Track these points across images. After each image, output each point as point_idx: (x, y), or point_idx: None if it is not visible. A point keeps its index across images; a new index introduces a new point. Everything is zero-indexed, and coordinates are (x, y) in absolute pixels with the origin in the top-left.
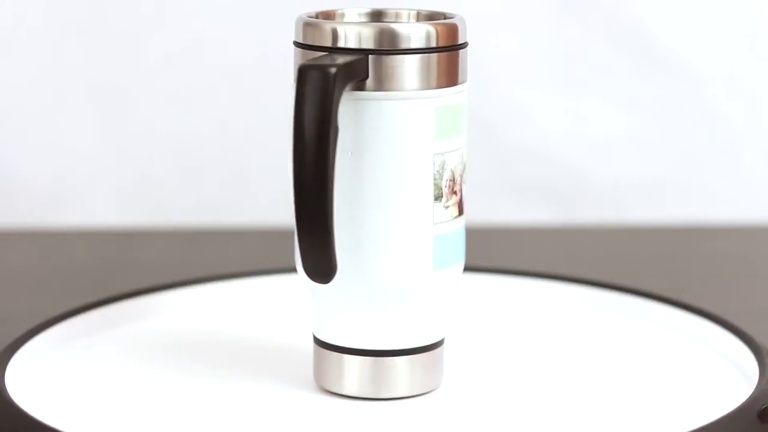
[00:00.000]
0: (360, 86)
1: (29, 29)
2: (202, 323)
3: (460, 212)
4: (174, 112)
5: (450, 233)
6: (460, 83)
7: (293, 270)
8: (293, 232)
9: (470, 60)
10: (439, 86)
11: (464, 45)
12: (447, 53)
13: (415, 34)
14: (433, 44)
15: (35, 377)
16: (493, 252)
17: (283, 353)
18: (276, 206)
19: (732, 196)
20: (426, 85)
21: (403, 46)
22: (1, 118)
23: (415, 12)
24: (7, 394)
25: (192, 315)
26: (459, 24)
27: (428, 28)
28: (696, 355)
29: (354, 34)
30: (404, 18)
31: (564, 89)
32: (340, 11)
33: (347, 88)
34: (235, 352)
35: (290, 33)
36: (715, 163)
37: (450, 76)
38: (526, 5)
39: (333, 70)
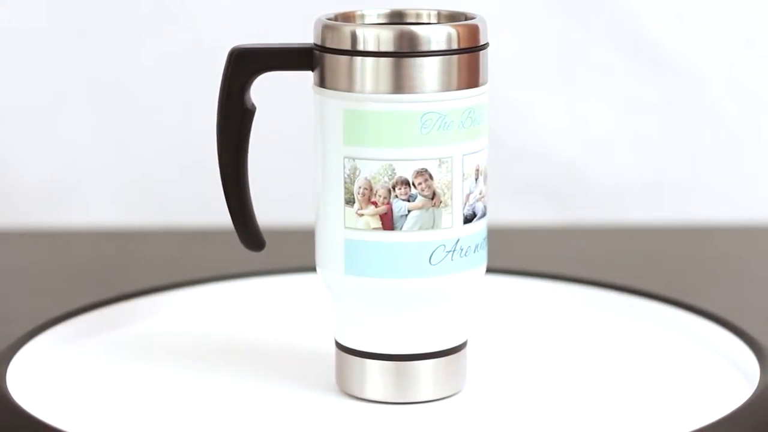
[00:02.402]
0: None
1: (29, 29)
2: (202, 323)
3: (388, 227)
4: (174, 112)
5: (364, 242)
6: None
7: (293, 270)
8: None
9: None
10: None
11: (485, 46)
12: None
13: (436, 36)
14: (455, 46)
15: (36, 377)
16: (493, 252)
17: (289, 355)
18: (276, 206)
19: (732, 196)
20: (447, 87)
21: (424, 48)
22: (1, 118)
23: (436, 12)
24: (9, 393)
25: (192, 315)
26: (480, 25)
27: (449, 29)
28: (696, 355)
29: (373, 37)
30: (425, 18)
31: (564, 89)
32: (359, 12)
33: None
34: (237, 354)
35: (291, 33)
36: (715, 163)
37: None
38: (526, 5)
39: (235, 52)
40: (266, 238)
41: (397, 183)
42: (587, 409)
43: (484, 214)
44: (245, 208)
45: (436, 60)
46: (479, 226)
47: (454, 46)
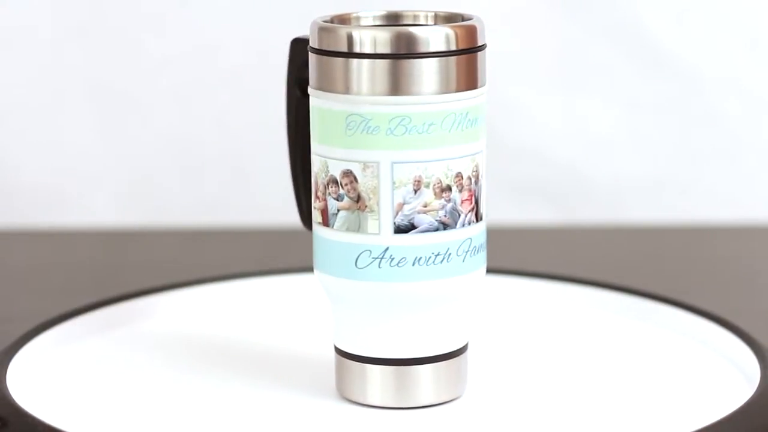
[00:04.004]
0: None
1: (29, 29)
2: (202, 324)
3: (325, 223)
4: (174, 113)
5: (315, 236)
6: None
7: (293, 270)
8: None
9: None
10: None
11: (483, 47)
12: (466, 56)
13: (434, 37)
14: (453, 47)
15: (36, 377)
16: (493, 252)
17: (292, 357)
18: (276, 206)
19: (732, 196)
20: (445, 89)
21: (422, 49)
22: (1, 118)
23: (433, 14)
24: (9, 393)
25: (192, 315)
26: (478, 25)
27: (447, 30)
28: (696, 355)
29: (369, 39)
30: (422, 20)
31: (563, 89)
32: (355, 14)
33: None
34: (237, 356)
35: (290, 33)
36: (715, 163)
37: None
38: (526, 5)
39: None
40: (266, 238)
41: (329, 181)
42: (588, 410)
43: (437, 228)
44: (309, 189)
45: (433, 61)
46: (423, 239)
47: (453, 47)
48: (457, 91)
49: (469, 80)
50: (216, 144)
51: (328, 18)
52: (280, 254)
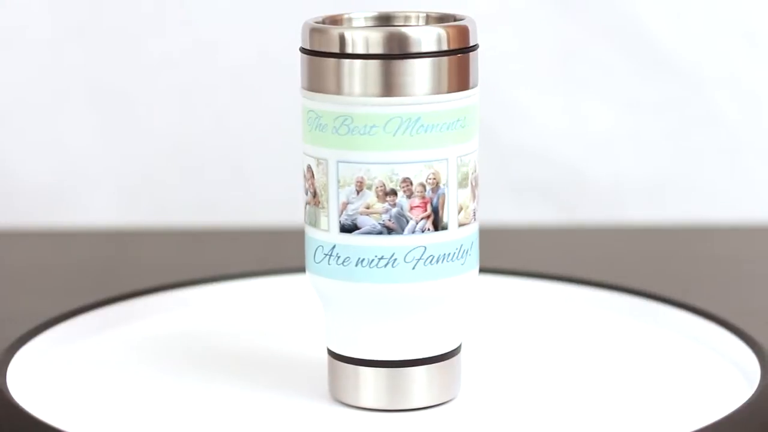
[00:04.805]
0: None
1: (29, 29)
2: (202, 324)
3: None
4: (174, 112)
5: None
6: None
7: (293, 270)
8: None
9: None
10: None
11: (475, 47)
12: (458, 56)
13: (426, 37)
14: (445, 47)
15: (36, 377)
16: (493, 252)
17: (289, 359)
18: (276, 206)
19: (732, 196)
20: (437, 90)
21: (414, 50)
22: (1, 118)
23: (425, 14)
24: (9, 393)
25: (192, 315)
26: (470, 25)
27: (439, 30)
28: (697, 355)
29: (362, 39)
30: (413, 21)
31: (564, 89)
32: (347, 16)
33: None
34: (237, 357)
35: (290, 33)
36: (715, 163)
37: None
38: (525, 5)
39: None
40: (266, 238)
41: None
42: (587, 409)
43: (381, 232)
44: None
45: (426, 62)
46: (365, 241)
47: (444, 48)
48: (449, 92)
49: (461, 81)
50: (216, 144)
51: (320, 19)
52: (280, 254)
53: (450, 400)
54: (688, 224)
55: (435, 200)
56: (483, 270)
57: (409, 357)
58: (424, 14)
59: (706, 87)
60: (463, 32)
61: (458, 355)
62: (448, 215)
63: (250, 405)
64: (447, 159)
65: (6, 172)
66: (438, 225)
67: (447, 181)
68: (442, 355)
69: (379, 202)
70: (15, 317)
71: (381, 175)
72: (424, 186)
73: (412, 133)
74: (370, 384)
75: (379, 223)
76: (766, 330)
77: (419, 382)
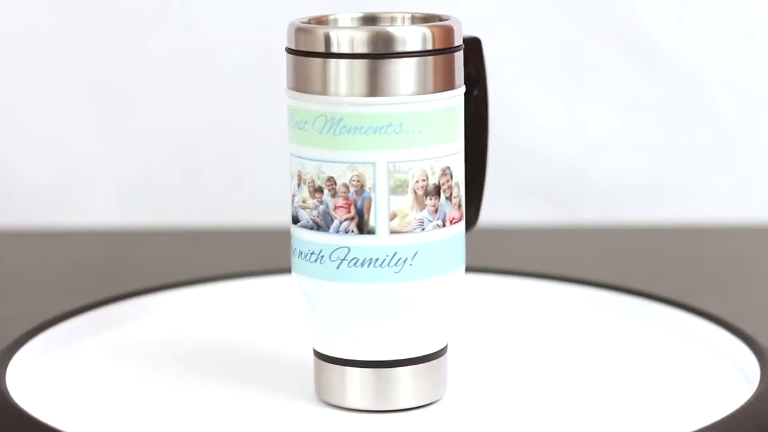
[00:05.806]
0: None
1: (30, 29)
2: (201, 324)
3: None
4: (174, 112)
5: None
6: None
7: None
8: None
9: None
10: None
11: (460, 47)
12: (444, 56)
13: (411, 36)
14: (430, 47)
15: (36, 377)
16: (493, 252)
17: (285, 361)
18: (276, 206)
19: (732, 196)
20: (423, 90)
21: (399, 49)
22: (1, 118)
23: (410, 15)
24: (8, 393)
25: (192, 315)
26: (455, 25)
27: (424, 30)
28: (696, 355)
29: (347, 39)
30: (398, 21)
31: (564, 89)
32: (333, 16)
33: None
34: (237, 357)
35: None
36: (715, 163)
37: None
38: (525, 5)
39: None
40: (266, 238)
41: None
42: (586, 409)
43: (312, 227)
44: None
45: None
46: (301, 234)
47: (429, 47)
48: (435, 92)
49: (447, 80)
50: (216, 144)
51: (306, 20)
52: (279, 254)
53: (437, 401)
54: (688, 224)
55: (360, 203)
56: (483, 270)
57: (394, 357)
58: (410, 14)
59: (706, 87)
60: (448, 32)
61: (445, 355)
62: (376, 220)
63: (236, 406)
64: (374, 163)
65: (6, 172)
66: (363, 228)
67: (375, 186)
68: (427, 355)
69: (310, 197)
70: (15, 317)
71: (312, 171)
72: (347, 187)
73: (336, 132)
74: (356, 384)
75: (311, 219)
76: (765, 330)
77: (405, 382)
